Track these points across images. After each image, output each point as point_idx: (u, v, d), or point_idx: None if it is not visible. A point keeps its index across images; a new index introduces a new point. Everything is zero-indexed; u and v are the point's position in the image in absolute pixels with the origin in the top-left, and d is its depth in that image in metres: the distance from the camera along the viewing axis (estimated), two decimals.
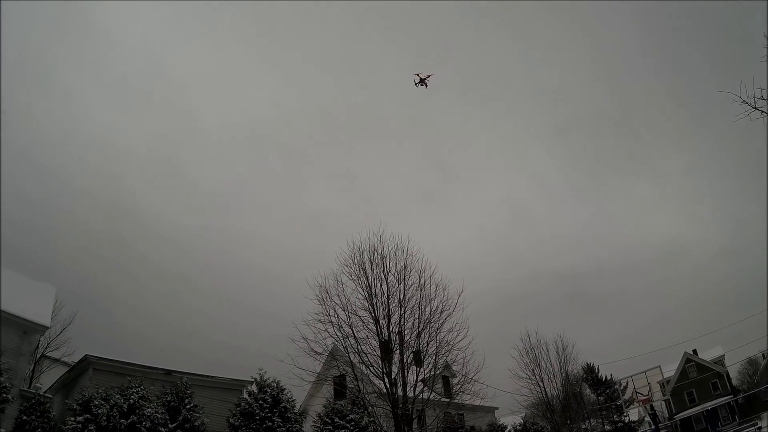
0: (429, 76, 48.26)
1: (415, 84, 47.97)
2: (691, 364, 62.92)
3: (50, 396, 24.95)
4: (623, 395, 52.33)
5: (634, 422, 56.50)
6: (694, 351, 63.49)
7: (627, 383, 51.55)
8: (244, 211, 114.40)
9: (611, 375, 55.09)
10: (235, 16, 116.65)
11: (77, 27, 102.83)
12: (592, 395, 54.10)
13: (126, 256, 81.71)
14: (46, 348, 31.71)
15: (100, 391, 21.31)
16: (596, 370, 55.21)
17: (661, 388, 51.45)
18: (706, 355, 64.11)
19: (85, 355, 25.50)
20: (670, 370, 61.48)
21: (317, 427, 25.83)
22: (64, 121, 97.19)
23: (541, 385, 41.43)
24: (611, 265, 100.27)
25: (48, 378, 31.30)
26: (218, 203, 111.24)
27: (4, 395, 18.60)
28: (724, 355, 62.99)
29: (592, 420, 50.02)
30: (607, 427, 52.90)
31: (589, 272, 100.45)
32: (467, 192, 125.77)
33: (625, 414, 53.94)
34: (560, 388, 42.52)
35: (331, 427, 25.41)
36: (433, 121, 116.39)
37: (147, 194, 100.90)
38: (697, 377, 61.76)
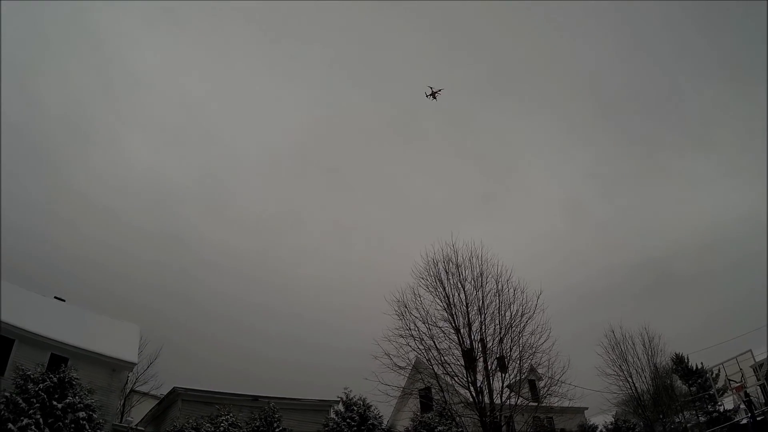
0: (440, 90, 49.82)
1: (426, 96, 49.77)
2: None
3: (142, 429, 25.64)
4: (716, 384, 49.79)
5: (729, 411, 53.68)
6: None
7: (719, 371, 49.07)
8: (301, 230, 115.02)
9: (701, 364, 52.58)
10: (254, 38, 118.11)
11: (114, 73, 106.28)
12: (684, 386, 51.69)
13: (196, 290, 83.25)
14: (134, 383, 32.52)
15: (191, 420, 21.75)
16: (686, 360, 52.75)
17: (754, 372, 48.70)
18: None
19: (173, 388, 26.05)
20: (762, 352, 58.17)
21: None
22: (115, 167, 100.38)
23: (630, 380, 40.05)
24: (688, 248, 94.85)
25: (138, 412, 32.13)
26: (272, 225, 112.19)
27: (98, 431, 19.10)
28: None
29: (685, 412, 47.76)
30: (702, 419, 50.40)
31: (665, 258, 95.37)
32: (520, 192, 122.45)
33: (719, 403, 51.32)
34: (650, 382, 40.91)
35: None
36: (470, 120, 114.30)
37: (200, 226, 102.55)
38: None
